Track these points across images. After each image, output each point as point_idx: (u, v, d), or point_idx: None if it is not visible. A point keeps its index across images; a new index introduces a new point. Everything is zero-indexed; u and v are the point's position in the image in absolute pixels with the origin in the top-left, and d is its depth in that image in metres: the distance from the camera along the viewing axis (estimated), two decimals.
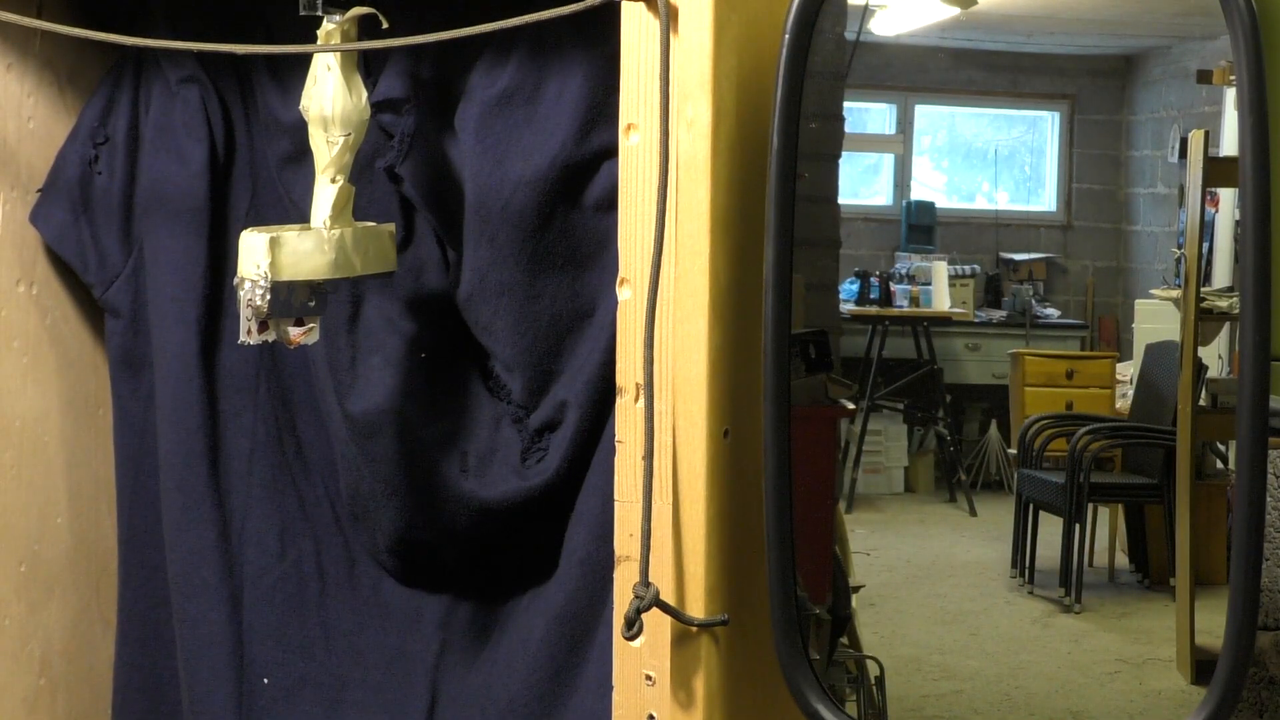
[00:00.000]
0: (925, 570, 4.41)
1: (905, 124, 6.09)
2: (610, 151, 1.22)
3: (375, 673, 1.40)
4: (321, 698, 1.40)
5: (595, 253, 1.28)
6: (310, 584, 1.41)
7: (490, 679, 1.35)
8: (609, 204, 1.21)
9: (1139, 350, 4.33)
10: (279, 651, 1.40)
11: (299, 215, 1.32)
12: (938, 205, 6.06)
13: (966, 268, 5.77)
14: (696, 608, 1.07)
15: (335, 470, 1.40)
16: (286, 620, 1.40)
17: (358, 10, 1.21)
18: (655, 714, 1.08)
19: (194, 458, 1.39)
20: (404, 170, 1.32)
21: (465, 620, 1.39)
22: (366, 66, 1.31)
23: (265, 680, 1.40)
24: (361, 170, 1.31)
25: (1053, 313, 5.75)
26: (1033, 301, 5.69)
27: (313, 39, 1.22)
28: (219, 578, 1.39)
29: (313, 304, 1.26)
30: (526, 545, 1.35)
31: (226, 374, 1.41)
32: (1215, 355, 3.11)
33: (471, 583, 1.39)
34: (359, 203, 1.28)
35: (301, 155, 1.32)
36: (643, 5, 1.06)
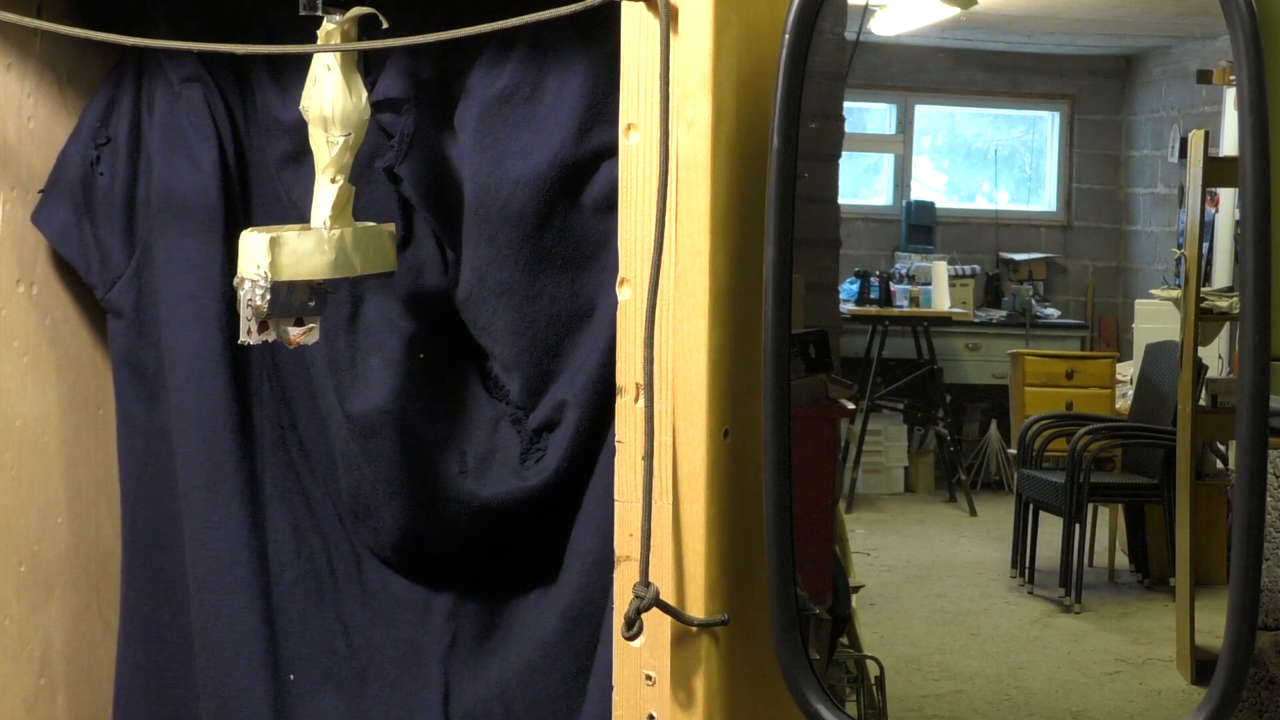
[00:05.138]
0: (925, 570, 4.41)
1: (905, 124, 6.09)
2: (610, 151, 1.22)
3: (390, 666, 1.40)
4: (344, 693, 1.40)
5: (594, 253, 1.28)
6: (324, 580, 1.41)
7: (504, 671, 1.35)
8: (608, 204, 1.21)
9: (1139, 350, 4.33)
10: (303, 647, 1.40)
11: (299, 215, 1.32)
12: (938, 205, 6.07)
13: (966, 268, 5.77)
14: (696, 608, 1.07)
15: (335, 469, 1.40)
16: (307, 616, 1.40)
17: (358, 10, 1.21)
18: (655, 714, 1.08)
19: (221, 455, 1.39)
20: (403, 170, 1.32)
21: (473, 613, 1.39)
22: (366, 66, 1.31)
23: (291, 676, 1.40)
24: (361, 170, 1.31)
25: (1053, 313, 5.75)
26: (1033, 301, 5.69)
27: (313, 39, 1.22)
28: (251, 575, 1.39)
29: (313, 304, 1.26)
30: (528, 544, 1.35)
31: (240, 372, 1.41)
32: (1215, 355, 3.10)
33: (477, 578, 1.39)
34: (359, 203, 1.28)
35: (301, 155, 1.32)
36: (643, 5, 1.06)
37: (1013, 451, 4.59)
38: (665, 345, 1.07)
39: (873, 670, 2.67)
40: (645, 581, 1.03)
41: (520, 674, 1.34)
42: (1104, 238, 5.68)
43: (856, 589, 2.81)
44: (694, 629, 1.07)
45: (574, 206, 1.27)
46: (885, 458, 5.41)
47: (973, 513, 5.03)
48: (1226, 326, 3.08)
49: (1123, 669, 3.45)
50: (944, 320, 5.53)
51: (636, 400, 1.07)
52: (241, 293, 1.21)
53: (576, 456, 1.29)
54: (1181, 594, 2.92)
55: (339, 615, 1.41)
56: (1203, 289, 3.05)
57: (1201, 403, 2.95)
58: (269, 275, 1.20)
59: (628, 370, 1.08)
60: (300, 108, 1.24)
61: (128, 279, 1.42)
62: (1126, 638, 3.69)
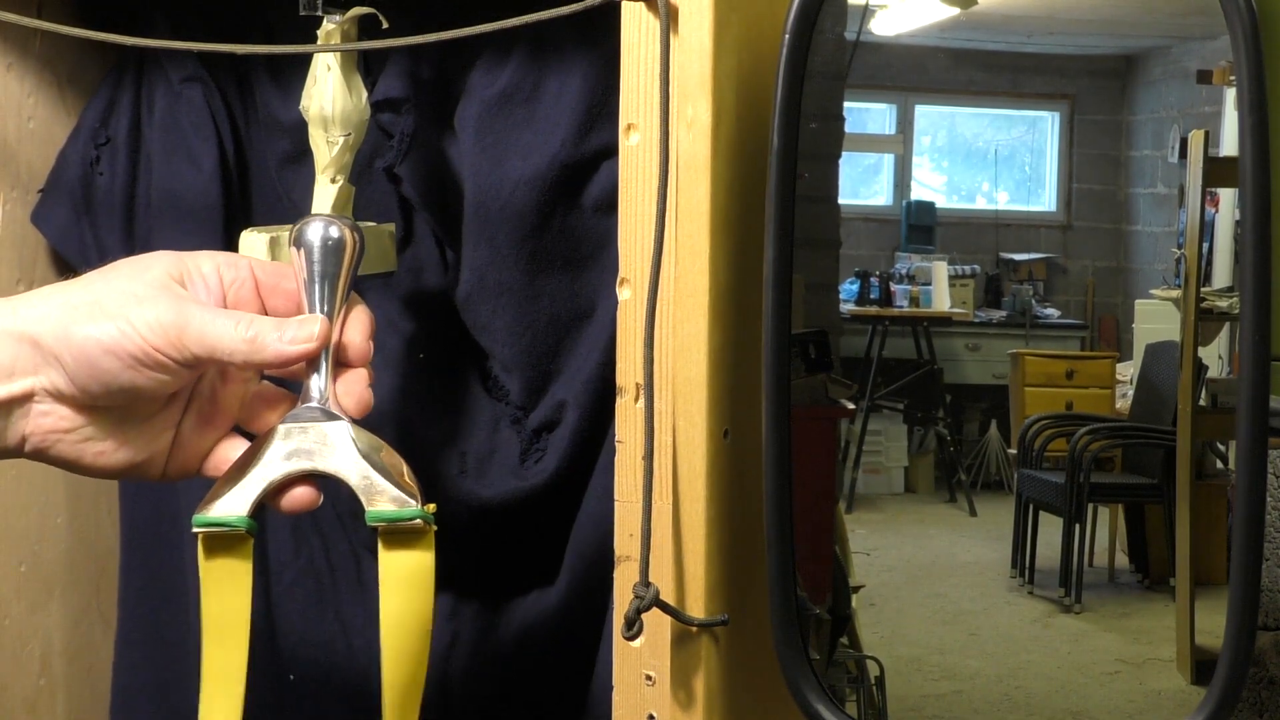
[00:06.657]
0: (925, 570, 4.40)
1: (905, 124, 6.08)
2: (610, 151, 1.22)
3: None
4: (345, 693, 1.40)
5: (594, 253, 1.28)
6: (324, 580, 1.41)
7: (504, 672, 1.35)
8: (609, 204, 1.21)
9: (1139, 350, 4.33)
10: (303, 648, 1.40)
11: (299, 215, 1.32)
12: (938, 205, 6.06)
13: (966, 268, 5.77)
14: (696, 608, 1.07)
15: None
16: (308, 617, 1.40)
17: (358, 10, 1.21)
18: (655, 714, 1.08)
19: None
20: (403, 170, 1.32)
21: (473, 613, 1.39)
22: (366, 66, 1.31)
23: (291, 677, 1.39)
24: (361, 170, 1.31)
25: (1053, 313, 5.74)
26: (1033, 301, 5.69)
27: (313, 39, 1.22)
28: (253, 575, 1.39)
29: None
30: (527, 544, 1.35)
31: None
32: (1215, 355, 3.10)
33: (476, 578, 1.39)
34: (359, 203, 1.28)
35: (301, 155, 1.32)
36: (643, 5, 1.06)
37: (1013, 451, 4.59)
38: (665, 345, 1.07)
39: (873, 670, 2.68)
40: (645, 581, 1.03)
41: (520, 674, 1.34)
42: (1104, 238, 5.67)
43: (856, 589, 2.82)
44: (694, 629, 1.07)
45: (574, 206, 1.27)
46: (885, 458, 5.40)
47: (973, 513, 5.03)
48: (1226, 326, 3.09)
49: (1123, 669, 3.45)
50: (944, 320, 5.52)
51: (636, 400, 1.07)
52: None
53: (577, 456, 1.29)
54: (1181, 594, 2.92)
55: (339, 616, 1.41)
56: (1203, 289, 3.05)
57: (1201, 403, 2.96)
58: None
59: (628, 370, 1.08)
60: (300, 108, 1.24)
61: None
62: (1126, 638, 3.69)
